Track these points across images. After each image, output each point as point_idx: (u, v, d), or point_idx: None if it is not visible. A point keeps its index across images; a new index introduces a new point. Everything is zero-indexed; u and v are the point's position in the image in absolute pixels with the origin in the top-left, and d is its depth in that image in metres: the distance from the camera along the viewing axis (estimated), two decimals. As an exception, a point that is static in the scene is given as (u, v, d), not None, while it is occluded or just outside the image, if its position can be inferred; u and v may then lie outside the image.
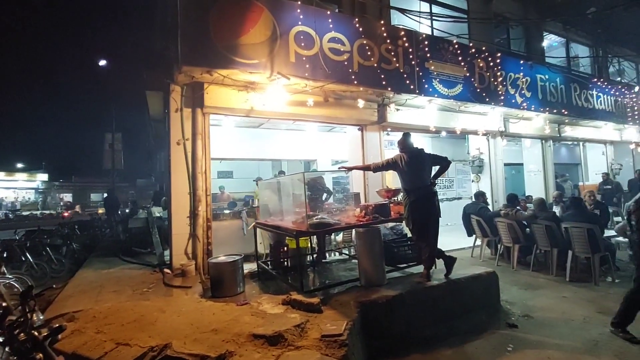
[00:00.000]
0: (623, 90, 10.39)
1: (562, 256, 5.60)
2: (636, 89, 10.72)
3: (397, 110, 6.81)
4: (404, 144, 4.17)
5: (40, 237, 7.29)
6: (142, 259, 6.63)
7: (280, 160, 10.50)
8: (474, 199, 7.09)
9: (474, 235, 7.10)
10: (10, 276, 4.88)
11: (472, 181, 9.23)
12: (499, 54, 7.59)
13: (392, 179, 7.53)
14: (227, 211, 7.00)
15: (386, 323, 3.52)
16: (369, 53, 5.90)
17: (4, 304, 2.14)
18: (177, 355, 2.55)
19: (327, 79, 5.50)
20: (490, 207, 7.44)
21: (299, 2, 5.42)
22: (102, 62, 17.25)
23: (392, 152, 7.89)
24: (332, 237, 6.28)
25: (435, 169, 4.23)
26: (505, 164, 8.97)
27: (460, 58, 6.93)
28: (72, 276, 5.87)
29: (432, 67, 6.54)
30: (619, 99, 10.20)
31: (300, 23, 5.37)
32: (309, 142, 8.98)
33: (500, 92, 7.43)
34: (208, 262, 4.86)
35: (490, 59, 7.37)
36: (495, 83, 7.39)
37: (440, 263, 4.27)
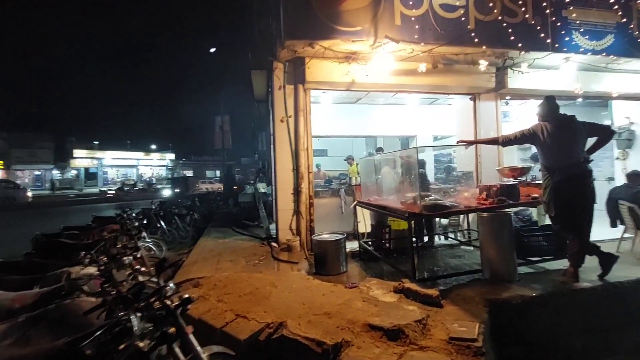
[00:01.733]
0: None
1: None
2: None
3: (522, 73, 5.66)
4: (547, 111, 3.36)
5: (170, 207, 8.44)
6: (251, 231, 7.13)
7: (375, 137, 10.07)
8: (626, 181, 5.59)
9: (622, 226, 5.66)
10: (149, 240, 5.71)
11: (617, 158, 7.40)
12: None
13: (505, 156, 6.47)
14: (325, 189, 7.00)
15: (521, 328, 2.97)
16: (489, 5, 4.93)
17: (140, 279, 2.34)
18: (293, 336, 2.51)
19: (439, 41, 4.81)
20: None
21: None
22: (212, 49, 18.84)
23: (508, 125, 6.78)
24: (438, 220, 5.71)
25: (589, 143, 3.32)
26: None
27: (611, 1, 5.35)
28: (194, 243, 6.66)
29: (574, 15, 5.18)
30: None
31: (407, -21, 4.74)
32: (408, 116, 8.30)
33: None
34: (312, 239, 4.88)
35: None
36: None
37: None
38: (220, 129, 15.83)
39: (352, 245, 5.26)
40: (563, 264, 3.71)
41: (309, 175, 5.53)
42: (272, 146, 6.80)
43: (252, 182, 11.67)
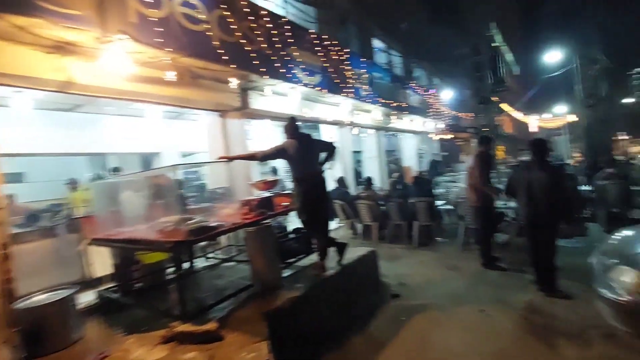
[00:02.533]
0: (425, 91, 13.32)
1: (409, 227, 6.60)
2: (430, 91, 13.96)
3: (261, 96, 6.35)
4: (292, 129, 3.81)
5: None
6: None
7: (104, 154, 8.27)
8: (336, 185, 7.48)
9: (337, 219, 7.56)
10: None
11: (328, 169, 9.84)
12: (347, 50, 8.20)
13: (252, 170, 7.07)
14: (30, 229, 4.90)
15: (294, 327, 3.14)
16: (232, 27, 5.17)
17: None
18: None
19: (184, 50, 4.49)
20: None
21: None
22: None
23: (249, 143, 7.46)
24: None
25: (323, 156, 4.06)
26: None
27: (317, 48, 7.06)
28: None
29: (296, 54, 6.39)
30: (423, 98, 13.00)
31: (141, -27, 4.12)
32: (150, 131, 7.38)
33: (350, 85, 8.07)
34: (14, 308, 3.19)
35: (341, 53, 7.86)
36: (346, 76, 7.97)
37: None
38: None
39: (86, 298, 3.94)
40: (311, 258, 4.33)
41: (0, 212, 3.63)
42: None
43: None
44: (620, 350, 2.86)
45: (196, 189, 7.30)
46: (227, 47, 5.07)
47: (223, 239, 5.53)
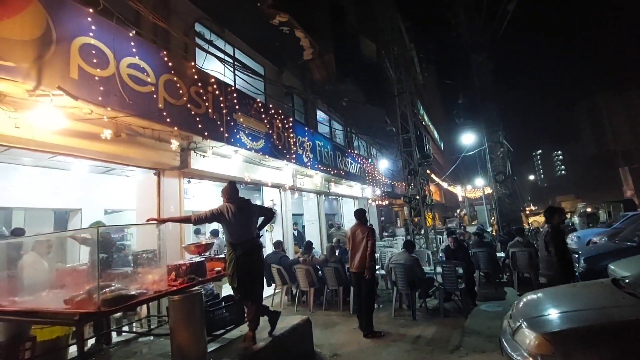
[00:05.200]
0: (363, 160, 14.42)
1: (345, 293, 6.62)
2: (368, 160, 15.16)
3: (203, 156, 6.36)
4: (230, 194, 3.85)
5: None
6: None
7: (11, 208, 7.28)
8: (274, 249, 7.38)
9: (273, 284, 7.32)
10: None
11: (267, 231, 9.73)
12: (291, 118, 8.78)
13: (185, 232, 6.76)
14: None
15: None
16: (178, 92, 5.32)
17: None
18: None
19: (126, 110, 4.46)
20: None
21: (91, 10, 4.28)
22: None
23: (187, 202, 7.24)
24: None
25: (259, 221, 4.09)
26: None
27: (263, 115, 7.47)
28: None
29: (241, 120, 6.67)
30: (361, 166, 14.01)
31: (91, 35, 4.20)
32: (70, 185, 6.81)
33: (293, 151, 8.48)
34: None
35: (285, 121, 8.38)
36: (289, 142, 8.41)
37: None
38: None
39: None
40: (243, 329, 4.08)
41: None
42: None
43: None
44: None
45: (118, 252, 6.65)
46: (172, 109, 5.16)
47: (144, 309, 4.99)
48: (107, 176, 7.16)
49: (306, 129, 9.85)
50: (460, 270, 6.35)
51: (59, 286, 3.33)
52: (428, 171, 17.14)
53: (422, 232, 11.16)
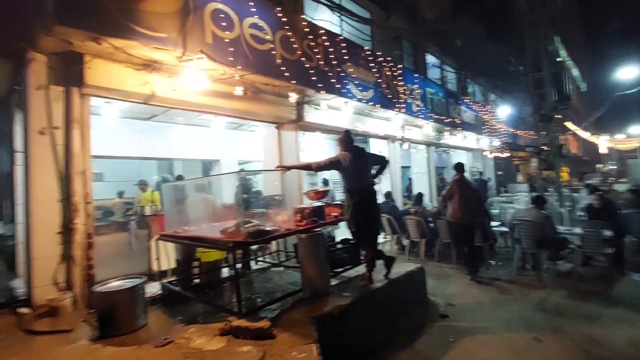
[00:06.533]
0: (479, 107, 12.86)
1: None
2: (487, 107, 13.44)
3: (316, 109, 6.62)
4: (346, 142, 3.95)
5: None
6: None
7: (171, 159, 9.06)
8: (384, 199, 7.46)
9: (383, 233, 7.50)
10: None
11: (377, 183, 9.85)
12: (400, 65, 8.26)
13: (303, 180, 7.31)
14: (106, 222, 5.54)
15: (341, 335, 3.20)
16: (293, 46, 5.52)
17: None
18: None
19: (251, 68, 4.88)
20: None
21: (215, -26, 4.65)
22: None
23: (302, 155, 7.75)
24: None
25: (375, 169, 4.14)
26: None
27: (371, 64, 7.22)
28: None
29: (350, 70, 6.60)
30: (477, 114, 12.56)
31: (218, 0, 4.61)
32: (212, 140, 8.00)
33: (402, 100, 8.09)
34: (93, 291, 3.63)
35: (394, 69, 7.95)
36: (398, 91, 8.01)
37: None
38: None
39: (151, 289, 4.33)
40: (359, 270, 4.38)
41: (87, 206, 4.18)
42: (18, 168, 4.80)
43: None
44: None
45: (252, 195, 7.72)
46: (288, 65, 5.41)
47: (273, 245, 5.78)
48: (239, 132, 8.19)
49: (416, 75, 9.17)
50: (607, 233, 5.34)
51: (215, 219, 4.10)
52: (562, 117, 14.28)
53: (553, 188, 9.60)
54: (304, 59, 5.67)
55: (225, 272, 4.86)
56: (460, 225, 5.63)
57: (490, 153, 14.28)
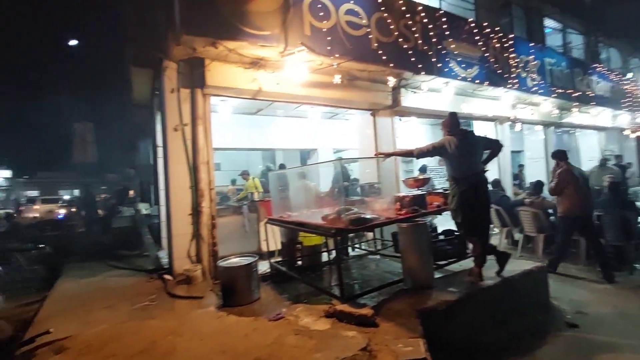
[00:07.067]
0: (617, 76, 10.45)
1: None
2: (629, 75, 10.82)
3: (414, 93, 6.29)
4: (451, 126, 3.65)
5: (6, 241, 6.26)
6: (132, 263, 5.79)
7: (273, 149, 9.77)
8: (492, 187, 6.72)
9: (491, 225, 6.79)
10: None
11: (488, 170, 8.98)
12: (511, 35, 7.23)
13: (399, 168, 7.04)
14: (224, 207, 6.30)
15: (447, 332, 3.03)
16: (389, 28, 5.31)
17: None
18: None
19: (347, 56, 4.87)
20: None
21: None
22: (72, 41, 15.53)
23: (397, 141, 7.47)
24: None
25: (485, 155, 3.75)
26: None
27: (476, 38, 6.49)
28: (48, 286, 4.99)
29: (452, 46, 6.05)
30: (614, 85, 10.24)
31: (315, -10, 4.70)
32: (308, 130, 8.33)
33: (514, 75, 7.09)
34: (217, 265, 4.18)
35: (503, 39, 7.00)
36: (509, 65, 7.04)
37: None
38: (81, 140, 12.99)
39: (261, 267, 4.78)
40: (464, 264, 4.06)
41: (211, 192, 4.82)
42: (160, 160, 5.77)
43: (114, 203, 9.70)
44: None
45: (354, 182, 7.85)
46: (384, 48, 5.23)
47: (369, 232, 5.78)
48: (333, 121, 8.37)
49: (531, 45, 7.90)
50: None
51: (316, 206, 4.29)
52: None
53: None
54: (401, 39, 5.40)
55: (324, 256, 5.05)
56: (581, 220, 4.85)
57: (632, 132, 11.54)
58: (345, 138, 8.32)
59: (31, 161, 34.62)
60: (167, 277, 4.53)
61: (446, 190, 4.00)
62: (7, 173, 32.81)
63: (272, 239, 5.30)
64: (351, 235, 5.86)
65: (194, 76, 4.63)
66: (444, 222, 4.88)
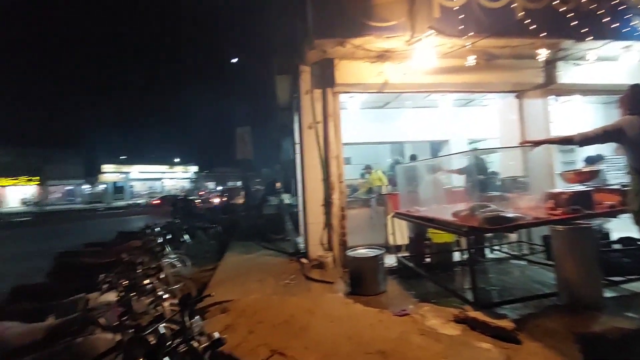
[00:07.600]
0: None
1: None
2: None
3: (576, 65, 5.08)
4: (633, 103, 2.79)
5: (194, 220, 8.21)
6: (278, 245, 6.73)
7: (402, 142, 9.53)
8: None
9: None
10: (173, 256, 5.41)
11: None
12: None
13: (554, 159, 5.77)
14: (353, 199, 6.57)
15: (621, 368, 2.40)
16: (541, -10, 4.44)
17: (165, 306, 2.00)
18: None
19: (484, 32, 4.32)
20: None
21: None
22: (234, 59, 18.94)
23: (553, 126, 6.12)
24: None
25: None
26: None
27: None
28: (218, 257, 6.30)
29: (635, -2, 4.59)
30: None
31: (446, -34, 4.33)
32: (439, 120, 7.77)
33: None
34: (346, 255, 4.44)
35: None
36: None
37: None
38: (242, 140, 15.71)
39: (388, 261, 4.80)
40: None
41: (340, 185, 5.12)
42: (298, 155, 6.44)
43: (264, 193, 11.28)
44: None
45: (493, 176, 7.04)
46: (534, 16, 4.40)
47: (512, 234, 5.05)
48: (467, 108, 7.59)
49: None
50: None
51: (447, 200, 4.02)
52: None
53: None
54: (556, 2, 4.42)
55: (456, 255, 4.70)
56: None
57: None
58: (482, 127, 7.40)
59: (209, 159, 47.04)
60: (304, 260, 5.08)
61: (624, 186, 3.10)
62: (195, 168, 45.28)
63: (399, 232, 5.27)
64: (489, 235, 5.26)
65: (325, 76, 4.97)
66: (622, 228, 3.79)
